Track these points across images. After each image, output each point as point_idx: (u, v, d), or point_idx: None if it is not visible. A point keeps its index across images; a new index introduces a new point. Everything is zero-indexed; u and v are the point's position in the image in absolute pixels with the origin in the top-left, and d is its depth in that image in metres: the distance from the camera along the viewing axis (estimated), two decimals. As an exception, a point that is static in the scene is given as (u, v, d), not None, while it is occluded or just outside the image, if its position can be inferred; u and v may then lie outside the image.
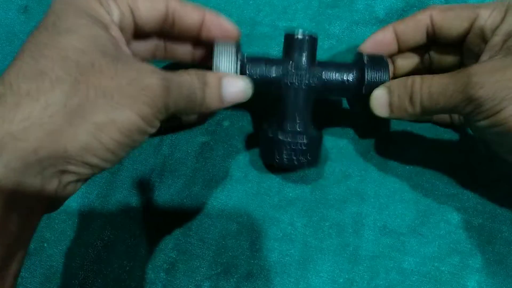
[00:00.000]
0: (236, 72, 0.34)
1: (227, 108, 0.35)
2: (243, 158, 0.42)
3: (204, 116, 0.42)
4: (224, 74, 0.33)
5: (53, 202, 0.26)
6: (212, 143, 0.42)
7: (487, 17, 0.34)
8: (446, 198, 0.40)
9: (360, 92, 0.36)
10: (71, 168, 0.25)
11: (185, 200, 0.41)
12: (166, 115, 0.29)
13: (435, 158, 0.41)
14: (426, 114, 0.33)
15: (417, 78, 0.33)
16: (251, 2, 0.46)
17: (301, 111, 0.36)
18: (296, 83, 0.36)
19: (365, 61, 0.36)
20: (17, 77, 0.24)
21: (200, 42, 0.37)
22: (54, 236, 0.40)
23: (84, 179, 0.27)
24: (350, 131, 0.42)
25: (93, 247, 0.40)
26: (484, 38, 0.34)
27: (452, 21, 0.35)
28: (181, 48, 0.38)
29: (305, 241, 0.40)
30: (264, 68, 0.36)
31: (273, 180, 0.41)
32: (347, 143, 0.42)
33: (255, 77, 0.36)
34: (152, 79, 0.27)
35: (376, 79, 0.35)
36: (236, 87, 0.33)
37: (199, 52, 0.38)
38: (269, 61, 0.36)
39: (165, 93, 0.28)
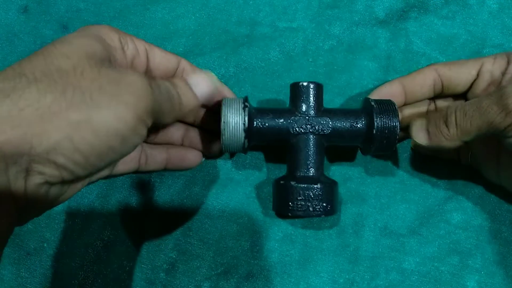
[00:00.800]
0: (245, 124, 0.34)
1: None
2: (243, 159, 0.42)
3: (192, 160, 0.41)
4: (187, 74, 0.34)
5: (23, 207, 0.25)
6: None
7: (493, 62, 0.36)
8: (446, 198, 0.40)
9: (371, 137, 0.35)
10: (36, 166, 0.24)
11: (185, 201, 0.41)
12: (151, 119, 0.28)
13: (435, 158, 0.41)
14: (464, 136, 0.33)
15: (450, 104, 0.35)
16: (251, 2, 0.46)
17: (312, 158, 0.36)
18: (304, 131, 0.36)
19: (374, 106, 0.35)
20: None
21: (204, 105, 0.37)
22: (54, 236, 0.40)
23: (54, 183, 0.26)
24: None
25: (93, 247, 0.40)
26: (489, 86, 0.36)
27: (460, 71, 0.37)
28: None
29: (305, 242, 0.40)
30: (271, 118, 0.36)
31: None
32: (347, 145, 0.42)
33: (263, 127, 0.36)
34: (135, 76, 0.27)
35: (385, 123, 0.35)
36: (202, 80, 0.33)
37: (201, 113, 0.39)
38: (276, 111, 0.36)
39: (149, 92, 0.27)
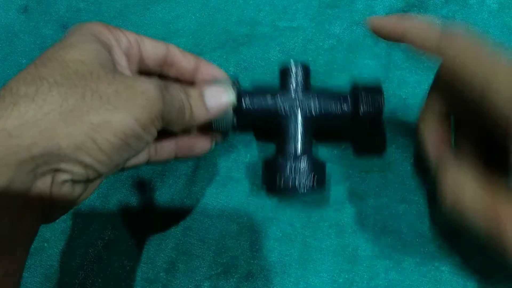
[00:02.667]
0: (234, 102, 0.35)
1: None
2: (243, 158, 0.42)
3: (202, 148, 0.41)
4: (205, 85, 0.35)
5: (49, 204, 0.26)
6: (212, 147, 0.42)
7: None
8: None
9: (357, 120, 0.36)
10: (64, 166, 0.26)
11: (185, 200, 0.41)
12: (162, 123, 0.29)
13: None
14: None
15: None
16: (251, 2, 0.46)
17: (300, 138, 0.37)
18: (292, 112, 0.37)
19: (360, 89, 0.36)
20: (18, 82, 0.26)
21: None
22: (54, 236, 0.40)
23: (79, 181, 0.28)
24: (350, 132, 0.42)
25: (94, 247, 0.40)
26: None
27: None
28: None
29: (304, 241, 0.40)
30: (260, 98, 0.37)
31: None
32: (347, 144, 0.42)
33: (252, 108, 0.36)
34: (149, 84, 0.28)
35: (371, 107, 0.35)
36: (217, 94, 0.34)
37: None
38: (265, 91, 0.37)
39: (161, 99, 0.28)
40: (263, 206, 0.41)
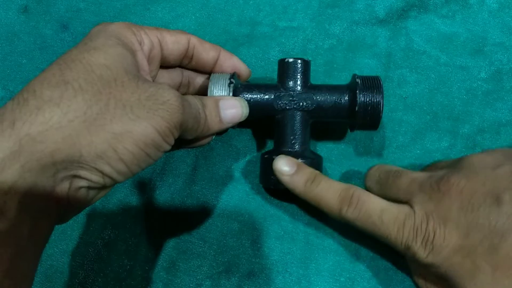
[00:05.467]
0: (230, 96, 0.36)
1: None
2: (243, 157, 0.42)
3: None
4: (220, 97, 0.35)
5: (64, 207, 0.27)
6: (212, 142, 0.42)
7: None
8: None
9: (354, 114, 0.36)
10: (83, 173, 0.26)
11: (185, 199, 0.41)
12: (179, 133, 0.30)
13: (435, 158, 0.41)
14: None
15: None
16: (251, 2, 0.46)
17: (297, 133, 0.37)
18: (290, 107, 0.36)
19: (358, 82, 0.36)
20: (42, 85, 0.26)
21: None
22: (55, 235, 0.40)
23: (95, 188, 0.28)
24: (349, 125, 0.42)
25: (94, 246, 0.40)
26: None
27: None
28: (199, 82, 0.40)
29: (306, 240, 0.40)
30: (257, 93, 0.37)
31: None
32: (347, 144, 0.42)
33: (248, 102, 0.36)
34: (170, 95, 0.28)
35: (369, 99, 0.35)
36: (233, 107, 0.35)
37: None
38: (262, 86, 0.37)
39: (181, 110, 0.29)
40: (264, 204, 0.41)
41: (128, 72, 0.28)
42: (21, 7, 0.47)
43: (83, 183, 0.27)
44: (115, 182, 0.28)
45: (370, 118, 0.36)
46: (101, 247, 0.40)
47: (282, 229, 0.40)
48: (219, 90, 0.36)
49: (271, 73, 0.44)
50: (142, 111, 0.27)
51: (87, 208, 0.40)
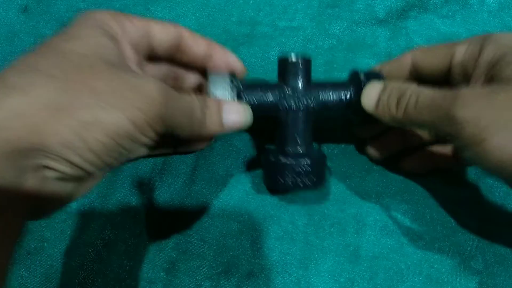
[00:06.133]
0: (234, 99, 0.35)
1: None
2: (243, 157, 0.42)
3: (202, 142, 0.41)
4: (225, 101, 0.34)
5: (34, 200, 0.26)
6: (212, 142, 0.42)
7: (463, 52, 0.34)
8: (446, 199, 0.40)
9: (360, 109, 0.35)
10: (51, 163, 0.25)
11: (185, 199, 0.41)
12: (163, 128, 0.28)
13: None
14: (407, 124, 0.33)
15: (413, 86, 0.32)
16: (251, 2, 0.46)
17: (301, 133, 0.36)
18: (294, 106, 0.36)
19: (362, 78, 0.35)
20: (12, 72, 0.25)
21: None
22: (54, 235, 0.40)
23: (69, 179, 0.27)
24: (352, 132, 0.42)
25: (93, 247, 0.40)
26: (466, 73, 0.34)
27: (431, 61, 0.36)
28: (190, 78, 0.39)
29: (306, 240, 0.40)
30: (260, 94, 0.36)
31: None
32: (348, 143, 0.42)
33: (252, 103, 0.36)
34: (152, 85, 0.27)
35: None
36: (237, 113, 0.33)
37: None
38: (265, 86, 0.36)
39: (162, 102, 0.27)
40: (264, 205, 0.41)
41: (107, 61, 0.27)
42: (21, 7, 0.47)
43: (51, 173, 0.25)
44: (89, 173, 0.27)
45: None
46: (101, 248, 0.40)
47: (281, 230, 0.40)
48: (220, 92, 0.35)
49: (271, 73, 0.43)
50: (116, 101, 0.26)
51: (87, 208, 0.40)
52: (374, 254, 0.39)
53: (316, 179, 0.36)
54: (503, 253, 0.39)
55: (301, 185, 0.36)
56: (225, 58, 0.37)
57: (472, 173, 0.41)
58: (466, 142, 0.28)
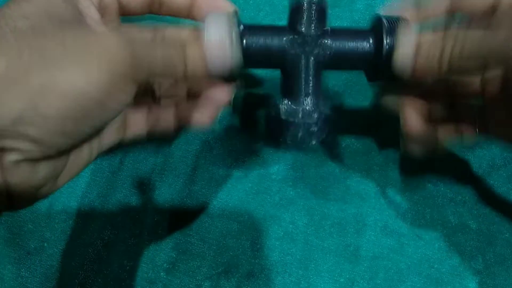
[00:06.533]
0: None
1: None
2: (243, 157, 0.42)
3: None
4: (205, 37, 0.28)
5: (7, 189, 0.23)
6: (212, 141, 0.42)
7: None
8: (446, 199, 0.40)
9: (379, 61, 0.31)
10: (9, 143, 0.22)
11: (185, 199, 0.41)
12: (135, 85, 0.25)
13: (436, 158, 0.41)
14: (452, 75, 0.30)
15: (454, 32, 0.28)
16: (251, 2, 0.46)
17: (309, 85, 0.32)
18: (302, 53, 0.31)
19: (384, 24, 0.31)
20: None
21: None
22: (54, 235, 0.40)
23: (37, 160, 0.24)
24: (352, 131, 0.42)
25: (93, 247, 0.40)
26: None
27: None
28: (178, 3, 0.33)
29: (306, 240, 0.40)
30: (265, 38, 0.31)
31: (274, 179, 0.41)
32: (348, 143, 0.42)
33: (254, 48, 0.31)
34: (112, 38, 0.24)
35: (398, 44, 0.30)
36: (219, 48, 0.28)
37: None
38: (271, 29, 0.32)
39: (127, 57, 0.24)
40: (264, 205, 0.41)
41: (52, 17, 0.24)
42: (21, 7, 0.47)
43: (14, 156, 0.22)
44: (57, 147, 0.24)
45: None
46: (101, 248, 0.40)
47: (281, 230, 0.40)
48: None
49: (271, 73, 0.43)
50: (68, 59, 0.23)
51: (87, 208, 0.40)
52: (374, 254, 0.39)
53: (322, 133, 0.32)
54: (503, 253, 0.39)
55: (307, 141, 0.32)
56: (212, 3, 0.31)
57: (472, 173, 0.41)
58: None
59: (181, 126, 0.33)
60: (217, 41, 0.27)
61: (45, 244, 0.40)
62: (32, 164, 0.24)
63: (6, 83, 0.21)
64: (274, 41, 0.31)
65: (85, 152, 0.28)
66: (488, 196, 0.40)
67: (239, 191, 0.41)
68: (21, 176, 0.23)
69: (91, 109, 0.23)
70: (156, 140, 0.42)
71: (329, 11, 0.44)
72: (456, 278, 0.38)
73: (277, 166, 0.41)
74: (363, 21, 0.44)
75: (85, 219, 0.41)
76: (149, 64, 0.25)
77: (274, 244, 0.40)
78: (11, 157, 0.22)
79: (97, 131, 0.26)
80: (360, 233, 0.40)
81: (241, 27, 0.31)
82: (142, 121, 0.33)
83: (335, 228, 0.40)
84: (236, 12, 0.30)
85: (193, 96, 0.33)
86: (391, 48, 0.30)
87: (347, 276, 0.39)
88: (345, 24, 0.45)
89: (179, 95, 0.33)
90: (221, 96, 0.32)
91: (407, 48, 0.30)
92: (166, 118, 0.33)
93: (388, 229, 0.40)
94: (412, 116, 0.33)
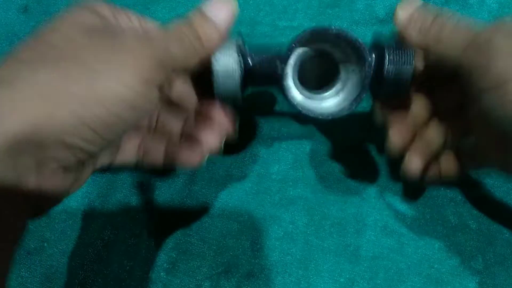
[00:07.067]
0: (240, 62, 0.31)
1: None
2: (243, 157, 0.42)
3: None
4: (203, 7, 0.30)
5: (37, 197, 0.24)
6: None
7: None
8: (445, 200, 0.40)
9: (381, 76, 0.31)
10: (50, 153, 0.23)
11: (185, 200, 0.41)
12: (162, 76, 0.26)
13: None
14: (434, 51, 0.29)
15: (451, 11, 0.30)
16: (251, 2, 0.46)
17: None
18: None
19: (385, 45, 0.31)
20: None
21: None
22: (54, 236, 0.40)
23: (70, 167, 0.25)
24: (352, 132, 0.42)
25: (93, 247, 0.40)
26: None
27: None
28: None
29: (306, 240, 0.40)
30: (268, 62, 0.32)
31: (274, 179, 0.41)
32: (348, 143, 0.42)
33: (259, 71, 0.32)
34: (129, 36, 0.25)
35: (399, 61, 0.31)
36: (220, 5, 0.29)
37: None
38: (273, 53, 0.33)
39: (149, 50, 0.25)
40: (264, 205, 0.41)
41: (80, 27, 0.25)
42: (21, 7, 0.47)
43: (53, 165, 0.24)
44: (89, 153, 0.25)
45: (399, 84, 0.32)
46: (101, 248, 0.40)
47: (281, 230, 0.40)
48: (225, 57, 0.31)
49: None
50: (100, 65, 0.23)
51: (86, 209, 0.40)
52: (374, 254, 0.39)
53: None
54: (503, 253, 0.39)
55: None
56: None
57: (472, 173, 0.41)
58: (494, 78, 0.25)
59: (169, 164, 0.34)
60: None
61: (45, 244, 0.40)
62: (66, 172, 0.25)
63: (50, 95, 0.22)
64: (277, 65, 0.32)
65: (90, 166, 0.29)
66: (488, 196, 0.40)
67: (239, 191, 0.41)
68: (54, 183, 0.25)
69: (124, 113, 0.24)
70: (144, 171, 0.42)
71: (329, 11, 0.45)
72: (456, 278, 0.38)
73: (277, 166, 0.41)
74: (363, 21, 0.44)
75: (85, 219, 0.41)
76: (171, 53, 0.26)
77: (274, 244, 0.40)
78: (50, 165, 0.24)
79: (117, 139, 0.27)
80: (360, 233, 0.40)
81: (246, 50, 0.32)
82: (133, 150, 0.34)
83: (335, 228, 0.40)
84: (241, 34, 0.32)
85: (186, 135, 0.34)
86: (392, 66, 0.31)
87: (347, 276, 0.39)
88: (345, 24, 0.45)
89: (173, 131, 0.35)
90: (224, 123, 0.33)
91: (407, 5, 0.30)
92: (156, 151, 0.34)
93: (388, 229, 0.40)
94: (396, 137, 0.35)
